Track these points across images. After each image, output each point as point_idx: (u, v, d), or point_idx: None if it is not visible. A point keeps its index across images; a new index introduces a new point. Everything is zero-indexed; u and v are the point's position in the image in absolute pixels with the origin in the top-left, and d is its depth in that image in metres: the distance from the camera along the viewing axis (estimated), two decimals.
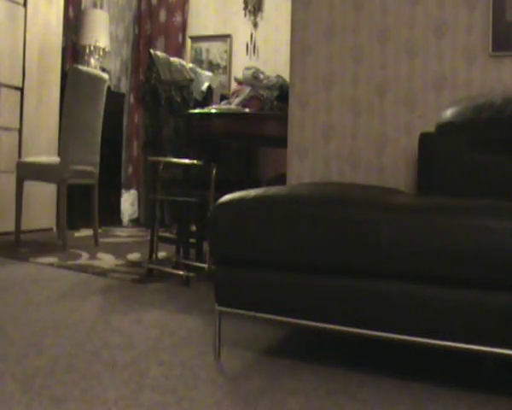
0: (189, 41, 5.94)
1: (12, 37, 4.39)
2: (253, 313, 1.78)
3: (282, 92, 3.27)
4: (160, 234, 3.49)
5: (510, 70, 2.37)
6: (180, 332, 2.12)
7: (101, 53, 5.38)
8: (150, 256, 3.32)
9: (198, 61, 5.80)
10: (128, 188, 6.00)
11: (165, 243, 3.65)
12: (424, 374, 1.75)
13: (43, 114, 4.74)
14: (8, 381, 1.56)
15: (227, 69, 5.72)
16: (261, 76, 3.37)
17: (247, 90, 3.35)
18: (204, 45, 5.87)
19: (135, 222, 5.93)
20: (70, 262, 3.48)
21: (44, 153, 4.66)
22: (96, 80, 4.10)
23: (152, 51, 3.48)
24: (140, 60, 6.03)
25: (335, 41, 2.68)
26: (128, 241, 4.65)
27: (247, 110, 3.24)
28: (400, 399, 1.54)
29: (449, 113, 2.24)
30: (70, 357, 1.78)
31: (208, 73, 4.20)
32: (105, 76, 4.22)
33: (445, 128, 2.24)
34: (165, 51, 5.12)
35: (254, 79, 3.34)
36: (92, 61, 5.30)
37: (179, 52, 5.79)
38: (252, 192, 1.81)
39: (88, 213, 4.36)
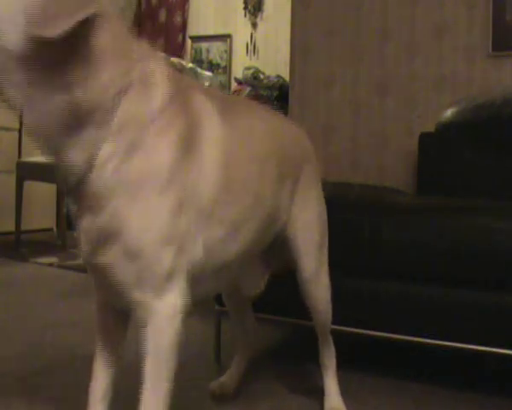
0: (189, 41, 5.94)
1: None
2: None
3: (282, 92, 3.28)
4: None
5: (510, 70, 2.38)
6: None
7: None
8: None
9: (198, 61, 5.80)
10: None
11: None
12: (424, 374, 1.75)
13: None
14: (8, 381, 1.56)
15: (227, 69, 5.72)
16: (261, 76, 3.37)
17: (247, 90, 3.35)
18: (204, 45, 5.87)
19: None
20: (70, 262, 3.48)
21: None
22: None
23: None
24: None
25: (335, 41, 2.68)
26: None
27: None
28: (400, 399, 1.54)
29: (449, 113, 2.24)
30: (70, 357, 1.78)
31: (208, 73, 4.21)
32: None
33: (445, 128, 2.24)
34: (165, 51, 5.12)
35: (254, 79, 3.34)
36: None
37: (179, 52, 5.78)
38: None
39: None
